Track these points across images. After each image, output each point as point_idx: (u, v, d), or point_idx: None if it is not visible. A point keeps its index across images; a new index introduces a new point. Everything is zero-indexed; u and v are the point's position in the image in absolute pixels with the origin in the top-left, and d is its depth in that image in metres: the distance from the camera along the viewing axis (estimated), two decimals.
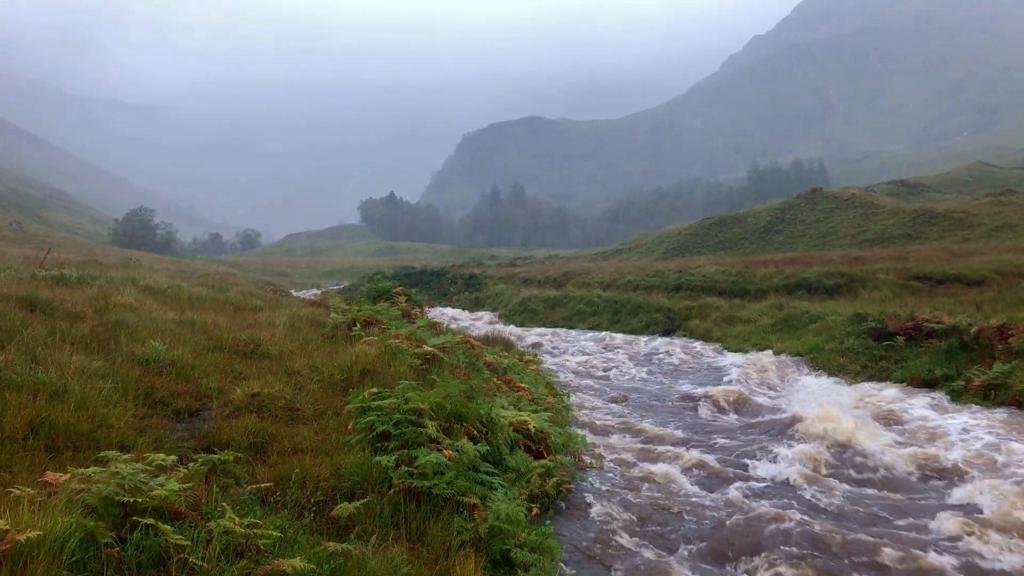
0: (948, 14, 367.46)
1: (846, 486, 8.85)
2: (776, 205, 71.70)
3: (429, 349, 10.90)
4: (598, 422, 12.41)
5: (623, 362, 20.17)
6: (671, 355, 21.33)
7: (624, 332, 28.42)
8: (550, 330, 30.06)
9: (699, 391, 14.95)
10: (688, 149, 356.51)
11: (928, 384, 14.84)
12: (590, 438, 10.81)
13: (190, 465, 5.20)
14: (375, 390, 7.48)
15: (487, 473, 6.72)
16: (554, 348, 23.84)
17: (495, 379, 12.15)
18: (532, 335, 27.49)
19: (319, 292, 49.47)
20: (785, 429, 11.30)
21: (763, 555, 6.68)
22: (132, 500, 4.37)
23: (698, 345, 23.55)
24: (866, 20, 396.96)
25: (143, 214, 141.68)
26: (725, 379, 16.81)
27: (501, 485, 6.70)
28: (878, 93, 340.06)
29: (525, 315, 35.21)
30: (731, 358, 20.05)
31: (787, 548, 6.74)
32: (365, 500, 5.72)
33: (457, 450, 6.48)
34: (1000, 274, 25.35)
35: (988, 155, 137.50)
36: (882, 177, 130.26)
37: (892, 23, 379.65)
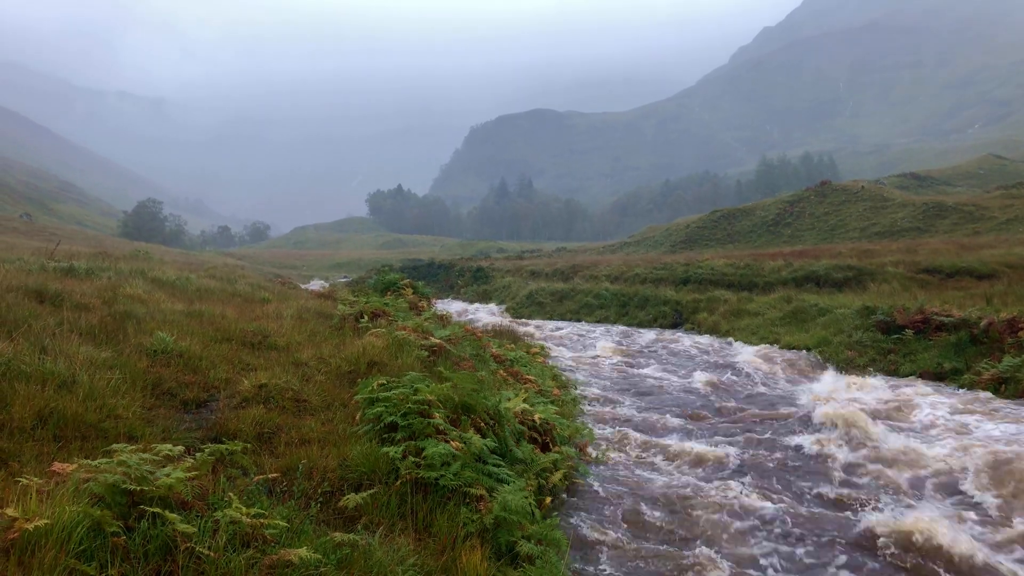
0: (959, 7, 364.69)
1: None
2: (785, 198, 71.44)
3: (436, 341, 10.90)
4: (605, 414, 12.40)
5: (631, 355, 20.14)
6: (677, 348, 21.29)
7: (632, 325, 28.39)
8: (558, 323, 30.05)
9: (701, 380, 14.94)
10: (697, 142, 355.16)
11: (937, 377, 14.77)
12: (596, 431, 10.82)
13: (197, 455, 5.21)
14: (383, 381, 7.49)
15: (494, 465, 6.71)
16: (561, 341, 23.82)
17: (502, 371, 12.15)
18: (539, 327, 27.47)
19: (327, 284, 49.58)
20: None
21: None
22: (139, 489, 4.39)
23: (705, 339, 23.49)
24: (877, 12, 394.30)
25: (152, 206, 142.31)
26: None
27: (508, 477, 6.70)
28: (888, 86, 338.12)
29: (533, 308, 35.20)
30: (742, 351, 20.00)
31: None
32: (372, 491, 5.72)
33: (464, 441, 6.47)
34: (1011, 267, 25.18)
35: (999, 148, 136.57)
36: (892, 170, 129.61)
37: (903, 16, 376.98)
